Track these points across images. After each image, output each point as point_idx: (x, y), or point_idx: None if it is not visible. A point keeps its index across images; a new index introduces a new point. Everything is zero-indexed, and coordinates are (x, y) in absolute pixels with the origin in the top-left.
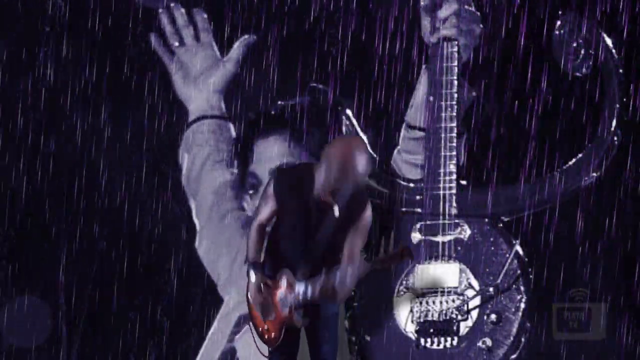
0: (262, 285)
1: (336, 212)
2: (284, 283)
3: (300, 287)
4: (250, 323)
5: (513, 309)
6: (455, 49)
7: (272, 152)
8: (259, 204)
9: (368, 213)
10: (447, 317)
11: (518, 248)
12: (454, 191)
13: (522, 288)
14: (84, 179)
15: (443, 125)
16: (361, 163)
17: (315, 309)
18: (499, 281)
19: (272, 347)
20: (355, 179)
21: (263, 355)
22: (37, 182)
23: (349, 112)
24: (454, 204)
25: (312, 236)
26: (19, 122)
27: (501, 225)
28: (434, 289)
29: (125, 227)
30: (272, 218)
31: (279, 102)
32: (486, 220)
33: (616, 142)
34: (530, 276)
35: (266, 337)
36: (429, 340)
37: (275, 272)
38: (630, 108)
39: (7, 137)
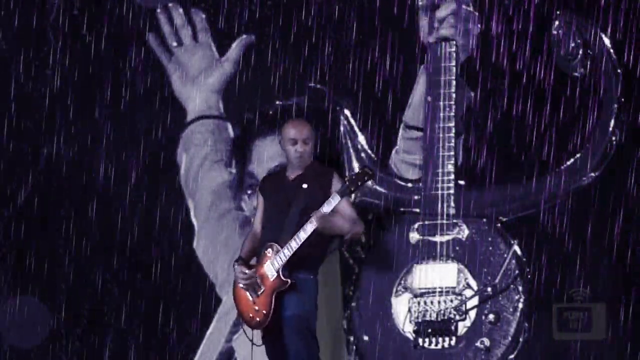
0: (243, 269)
1: (304, 185)
2: (268, 253)
3: (282, 250)
4: (240, 319)
5: (511, 309)
6: (454, 48)
7: (270, 152)
8: (254, 213)
9: (336, 184)
10: (445, 317)
11: (516, 248)
12: (452, 191)
13: (520, 288)
14: (83, 180)
15: (441, 125)
16: (304, 125)
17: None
18: (497, 281)
19: (263, 326)
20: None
21: (255, 344)
22: (37, 183)
23: (347, 112)
24: (452, 204)
25: (289, 210)
26: (19, 123)
27: (499, 225)
28: (432, 289)
29: (124, 227)
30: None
31: (277, 102)
32: (484, 220)
33: (614, 142)
34: (529, 276)
35: (257, 319)
36: (427, 340)
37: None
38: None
39: (7, 138)
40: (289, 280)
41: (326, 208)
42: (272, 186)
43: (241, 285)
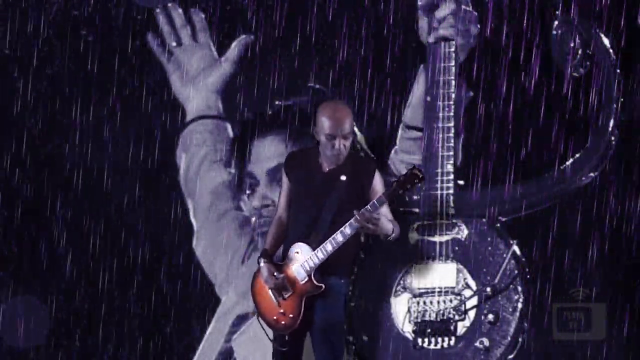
0: (273, 270)
1: (343, 177)
2: (297, 254)
3: (315, 252)
4: (259, 317)
5: (510, 309)
6: (453, 48)
7: (269, 152)
8: (279, 197)
9: (377, 179)
10: (445, 317)
11: (515, 248)
12: (451, 191)
13: (519, 288)
14: (83, 179)
15: (440, 125)
16: (346, 117)
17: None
18: (496, 281)
19: (290, 329)
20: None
21: (270, 339)
22: (37, 183)
23: None
24: (452, 204)
25: (322, 205)
26: (19, 123)
27: (499, 225)
28: (431, 289)
29: (124, 227)
30: (290, 204)
31: (277, 102)
32: (484, 220)
33: (614, 142)
34: (528, 276)
35: (283, 322)
36: (426, 340)
37: (287, 251)
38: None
39: (7, 137)
40: (322, 285)
41: (371, 209)
42: (302, 171)
43: (269, 287)
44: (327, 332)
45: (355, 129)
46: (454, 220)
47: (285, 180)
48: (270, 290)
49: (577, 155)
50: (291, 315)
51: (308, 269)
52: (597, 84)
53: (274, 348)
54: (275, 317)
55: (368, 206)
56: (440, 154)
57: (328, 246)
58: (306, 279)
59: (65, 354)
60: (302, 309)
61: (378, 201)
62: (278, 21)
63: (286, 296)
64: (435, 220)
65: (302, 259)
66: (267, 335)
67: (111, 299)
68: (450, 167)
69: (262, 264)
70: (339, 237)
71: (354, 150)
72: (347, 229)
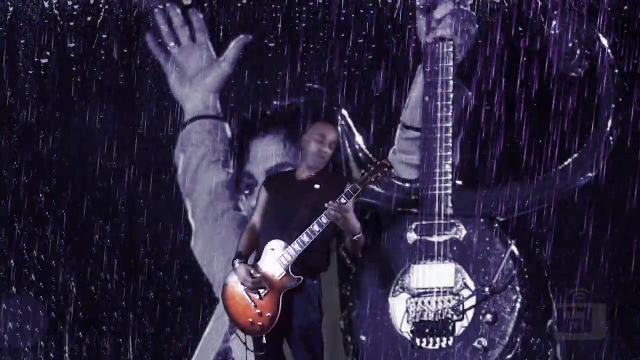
0: (249, 269)
1: (316, 186)
2: (273, 251)
3: (292, 245)
4: (235, 327)
5: (509, 309)
6: (451, 48)
7: (267, 152)
8: (254, 207)
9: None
10: (443, 317)
11: (514, 248)
12: (449, 191)
13: (517, 288)
14: (82, 179)
15: (438, 125)
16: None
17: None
18: (494, 281)
19: (266, 330)
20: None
21: (249, 349)
22: (37, 183)
23: (344, 112)
24: (450, 204)
25: (296, 208)
26: (18, 122)
27: (497, 225)
28: (429, 289)
29: (122, 227)
30: (265, 214)
31: (275, 102)
32: (482, 220)
33: (612, 142)
34: (526, 276)
35: (260, 323)
36: (424, 340)
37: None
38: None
39: (7, 137)
40: (300, 277)
41: (343, 199)
42: (280, 184)
43: (247, 286)
44: (306, 334)
45: (354, 128)
46: (452, 220)
47: (263, 191)
48: (244, 292)
49: (576, 155)
50: (269, 315)
51: (285, 262)
52: (596, 84)
53: (255, 356)
54: (251, 320)
55: (342, 195)
56: (438, 153)
57: (305, 237)
58: (283, 274)
59: (64, 354)
60: (280, 307)
61: (352, 189)
62: (276, 21)
63: (263, 294)
64: (433, 220)
65: (278, 254)
66: (247, 346)
67: (110, 299)
68: (448, 167)
69: (237, 265)
70: (315, 227)
71: (333, 172)
72: (323, 219)
